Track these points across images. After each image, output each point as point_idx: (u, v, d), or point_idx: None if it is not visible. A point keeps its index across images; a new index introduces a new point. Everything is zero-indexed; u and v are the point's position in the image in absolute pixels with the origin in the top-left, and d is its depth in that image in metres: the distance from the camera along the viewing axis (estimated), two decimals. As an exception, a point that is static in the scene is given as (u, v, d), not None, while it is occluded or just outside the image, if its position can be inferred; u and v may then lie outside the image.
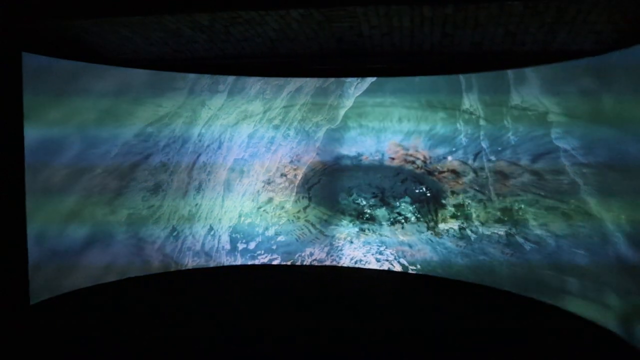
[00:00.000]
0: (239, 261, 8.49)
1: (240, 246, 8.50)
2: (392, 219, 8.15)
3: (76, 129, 7.26)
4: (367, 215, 8.27)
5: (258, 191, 8.51)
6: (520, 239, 7.14)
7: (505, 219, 7.29)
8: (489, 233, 7.43)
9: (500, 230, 7.33)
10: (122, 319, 6.24)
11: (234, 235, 8.50)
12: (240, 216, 8.50)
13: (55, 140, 7.00)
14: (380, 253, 8.15)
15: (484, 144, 7.42)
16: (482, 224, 7.50)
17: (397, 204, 8.12)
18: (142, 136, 7.84)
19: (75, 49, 6.99)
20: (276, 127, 8.39)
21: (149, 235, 8.05)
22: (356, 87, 8.02)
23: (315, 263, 8.39)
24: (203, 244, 8.40)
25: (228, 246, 8.50)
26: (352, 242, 8.29)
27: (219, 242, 8.47)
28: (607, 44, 5.95)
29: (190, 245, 8.34)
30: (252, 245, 8.49)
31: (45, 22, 6.25)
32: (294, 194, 8.49)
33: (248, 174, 8.48)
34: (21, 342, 5.59)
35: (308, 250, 8.41)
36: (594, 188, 6.27)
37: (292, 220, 8.49)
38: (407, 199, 8.07)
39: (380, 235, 8.18)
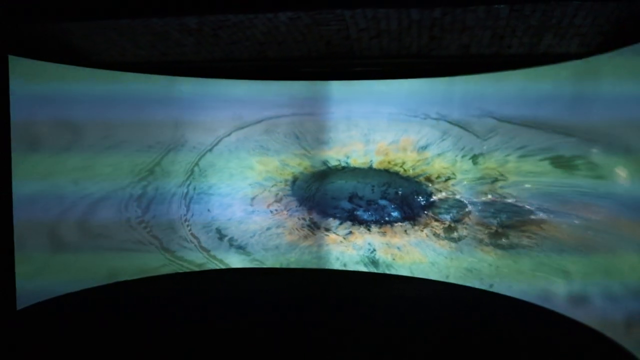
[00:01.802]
0: (227, 265, 8.46)
1: (229, 250, 8.47)
2: (380, 222, 8.17)
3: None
4: (356, 218, 8.28)
5: (246, 196, 8.49)
6: (508, 242, 7.19)
7: (494, 221, 7.35)
8: (478, 235, 7.47)
9: (489, 233, 7.38)
10: (112, 325, 6.20)
11: (222, 240, 8.48)
12: (228, 220, 8.48)
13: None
14: (369, 256, 8.17)
15: (472, 148, 7.47)
16: (471, 226, 7.55)
17: (386, 206, 8.15)
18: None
19: (62, 52, 6.95)
20: (263, 131, 8.36)
21: (135, 241, 8.01)
22: (343, 90, 8.02)
23: (304, 266, 8.39)
24: (191, 249, 8.37)
25: (216, 250, 8.48)
26: (340, 245, 8.30)
27: (206, 247, 8.44)
28: (592, 46, 6.04)
29: (177, 249, 8.30)
30: (240, 250, 8.47)
31: (32, 25, 6.22)
32: (282, 197, 8.48)
33: (236, 178, 8.46)
34: (6, 351, 5.53)
35: (296, 254, 8.41)
36: (580, 192, 6.33)
37: (280, 224, 8.48)
38: (395, 201, 8.10)
39: (369, 237, 8.20)
